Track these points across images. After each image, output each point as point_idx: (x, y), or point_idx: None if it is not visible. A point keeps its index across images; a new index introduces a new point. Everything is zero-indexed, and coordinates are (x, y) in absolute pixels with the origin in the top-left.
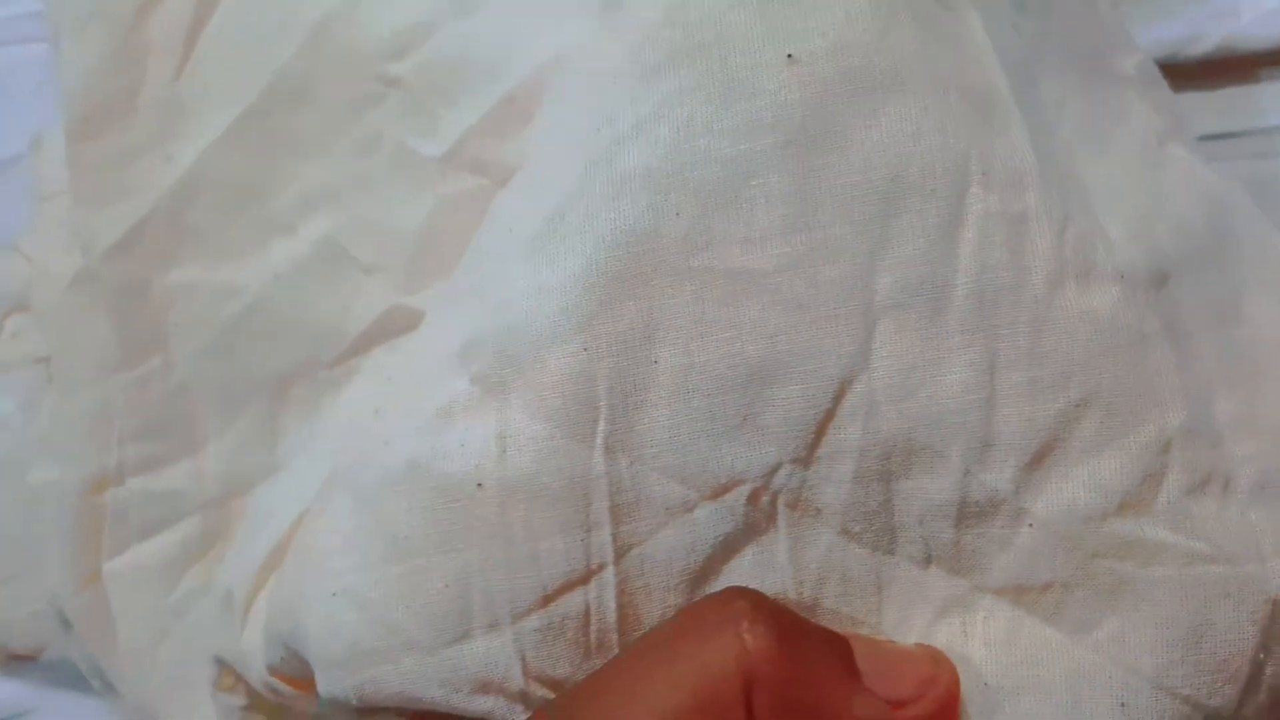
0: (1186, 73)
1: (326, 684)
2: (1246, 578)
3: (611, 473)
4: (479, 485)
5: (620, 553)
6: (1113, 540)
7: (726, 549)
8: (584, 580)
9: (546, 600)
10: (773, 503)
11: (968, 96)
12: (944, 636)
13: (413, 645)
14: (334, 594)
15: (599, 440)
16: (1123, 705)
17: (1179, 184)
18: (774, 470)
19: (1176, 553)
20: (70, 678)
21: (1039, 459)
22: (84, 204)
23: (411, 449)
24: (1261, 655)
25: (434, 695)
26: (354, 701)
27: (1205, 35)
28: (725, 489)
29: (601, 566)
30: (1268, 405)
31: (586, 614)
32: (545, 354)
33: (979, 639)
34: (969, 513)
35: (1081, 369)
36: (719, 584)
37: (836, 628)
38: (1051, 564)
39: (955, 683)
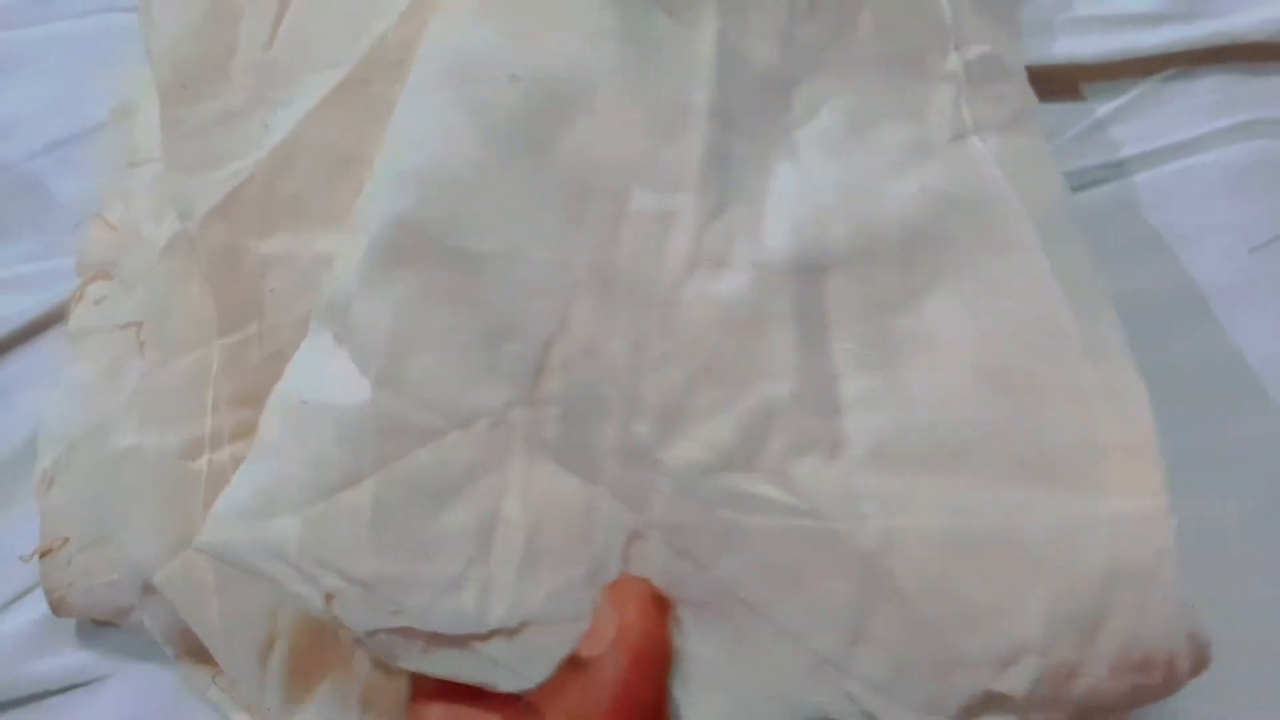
0: None
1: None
2: (835, 533)
3: (378, 400)
4: (304, 403)
5: (381, 465)
6: (723, 491)
7: (470, 469)
8: (354, 484)
9: (329, 493)
10: (508, 434)
11: (653, 108)
12: (634, 564)
13: (243, 514)
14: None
15: (372, 375)
16: (737, 630)
17: (918, 180)
18: (508, 408)
19: (773, 506)
20: (144, 646)
21: (670, 418)
22: (179, 169)
23: (294, 379)
24: (861, 605)
25: (250, 559)
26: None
27: None
28: (470, 420)
29: (370, 474)
30: (905, 387)
31: (355, 511)
32: (349, 311)
33: (654, 565)
34: (629, 456)
35: (701, 344)
36: (461, 499)
37: (557, 553)
38: (682, 508)
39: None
